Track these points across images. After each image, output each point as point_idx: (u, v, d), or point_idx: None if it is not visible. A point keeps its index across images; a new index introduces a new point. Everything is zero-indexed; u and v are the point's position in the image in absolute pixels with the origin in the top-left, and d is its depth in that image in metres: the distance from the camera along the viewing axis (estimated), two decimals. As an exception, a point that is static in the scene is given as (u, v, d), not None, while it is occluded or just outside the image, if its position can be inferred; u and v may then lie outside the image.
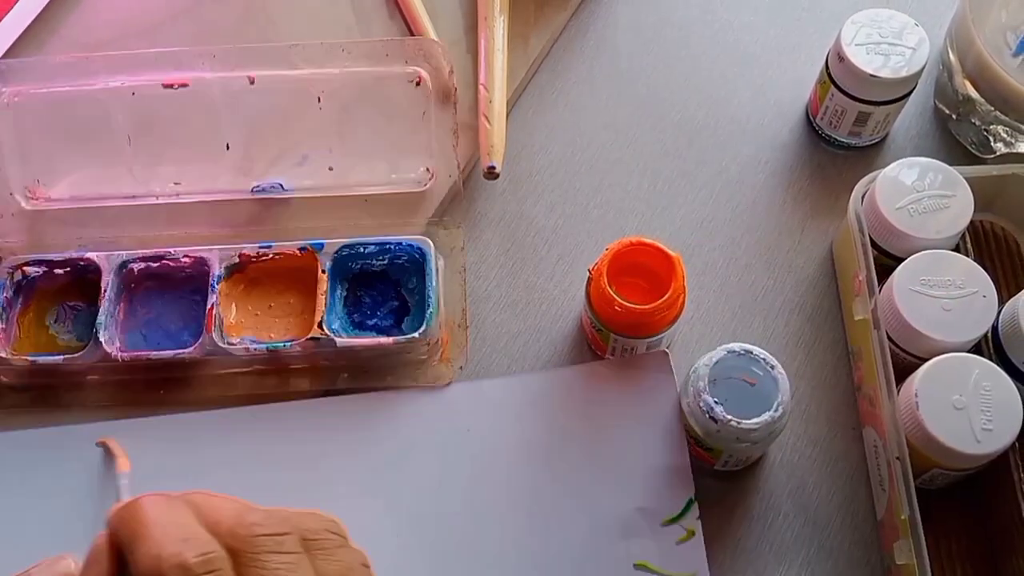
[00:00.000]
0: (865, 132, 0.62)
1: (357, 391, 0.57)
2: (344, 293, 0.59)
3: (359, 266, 0.59)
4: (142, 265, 0.58)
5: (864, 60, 0.58)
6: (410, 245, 0.58)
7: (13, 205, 0.60)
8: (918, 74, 0.58)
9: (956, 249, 0.55)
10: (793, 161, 0.64)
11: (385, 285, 0.59)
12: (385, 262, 0.59)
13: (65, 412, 0.56)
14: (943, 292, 0.52)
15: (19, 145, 0.59)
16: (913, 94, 0.60)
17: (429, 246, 0.58)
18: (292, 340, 0.56)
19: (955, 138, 0.64)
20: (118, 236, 0.60)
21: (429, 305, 0.56)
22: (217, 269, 0.57)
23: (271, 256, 0.58)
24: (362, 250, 0.58)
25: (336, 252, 0.58)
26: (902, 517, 0.48)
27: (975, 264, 0.53)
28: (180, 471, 0.54)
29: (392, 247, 0.58)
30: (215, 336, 0.55)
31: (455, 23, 0.66)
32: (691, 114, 0.66)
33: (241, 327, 0.58)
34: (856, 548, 0.54)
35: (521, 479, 0.54)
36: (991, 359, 0.51)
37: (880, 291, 0.53)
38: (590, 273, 0.54)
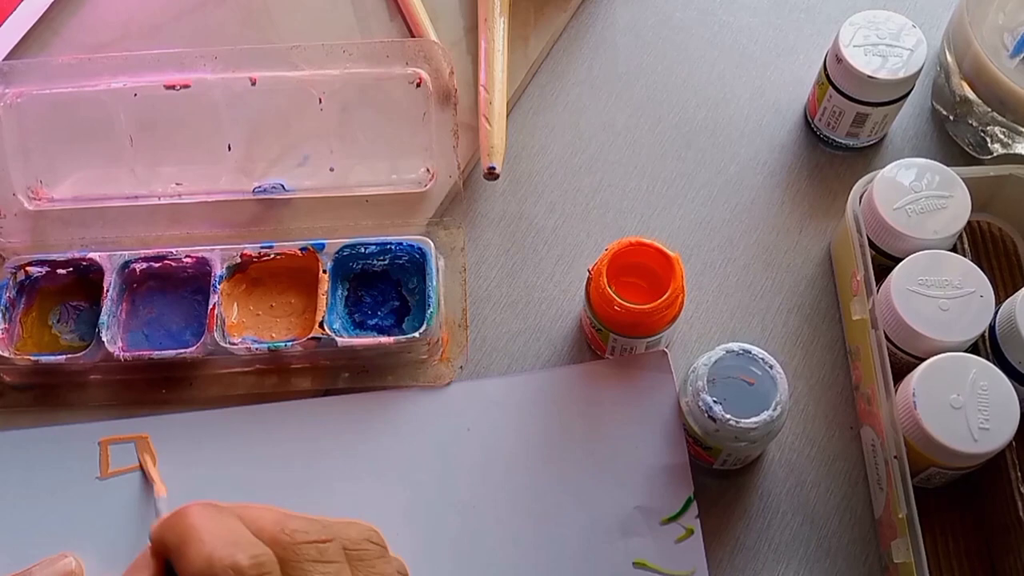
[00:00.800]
0: (863, 133, 0.62)
1: (358, 390, 0.57)
2: (345, 293, 0.59)
3: (360, 266, 0.60)
4: (144, 265, 0.59)
5: (862, 61, 0.58)
6: (411, 245, 0.59)
7: (16, 205, 0.60)
8: (916, 75, 0.58)
9: (953, 249, 0.56)
10: (791, 162, 0.64)
11: (386, 285, 0.60)
12: (386, 262, 0.60)
13: (67, 411, 0.56)
14: (941, 292, 0.52)
15: (22, 146, 0.59)
16: (911, 95, 0.60)
17: (429, 246, 0.58)
18: (293, 340, 0.56)
19: (952, 139, 0.64)
20: (120, 236, 0.60)
21: (429, 305, 0.56)
22: (219, 269, 0.58)
23: (272, 256, 0.59)
24: (363, 250, 0.59)
25: (337, 252, 0.58)
26: (900, 516, 0.49)
27: (972, 264, 0.53)
28: (182, 470, 0.55)
29: (393, 247, 0.59)
30: (217, 336, 0.56)
31: (455, 24, 0.66)
32: (690, 115, 0.66)
33: (242, 327, 0.58)
34: (854, 546, 0.54)
35: (521, 478, 0.55)
36: (988, 359, 0.52)
37: (878, 291, 0.54)
38: (589, 273, 0.54)
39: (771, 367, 0.51)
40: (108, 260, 0.58)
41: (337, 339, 0.56)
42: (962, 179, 0.55)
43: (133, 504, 0.53)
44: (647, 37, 0.69)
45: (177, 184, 0.60)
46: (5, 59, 0.65)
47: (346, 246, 0.58)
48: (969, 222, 0.55)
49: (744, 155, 0.65)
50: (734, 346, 0.51)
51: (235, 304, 0.59)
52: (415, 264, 0.59)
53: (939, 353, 0.51)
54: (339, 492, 0.54)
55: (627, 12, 0.69)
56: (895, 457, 0.49)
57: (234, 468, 0.55)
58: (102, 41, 0.66)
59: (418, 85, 0.59)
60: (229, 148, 0.60)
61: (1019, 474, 0.51)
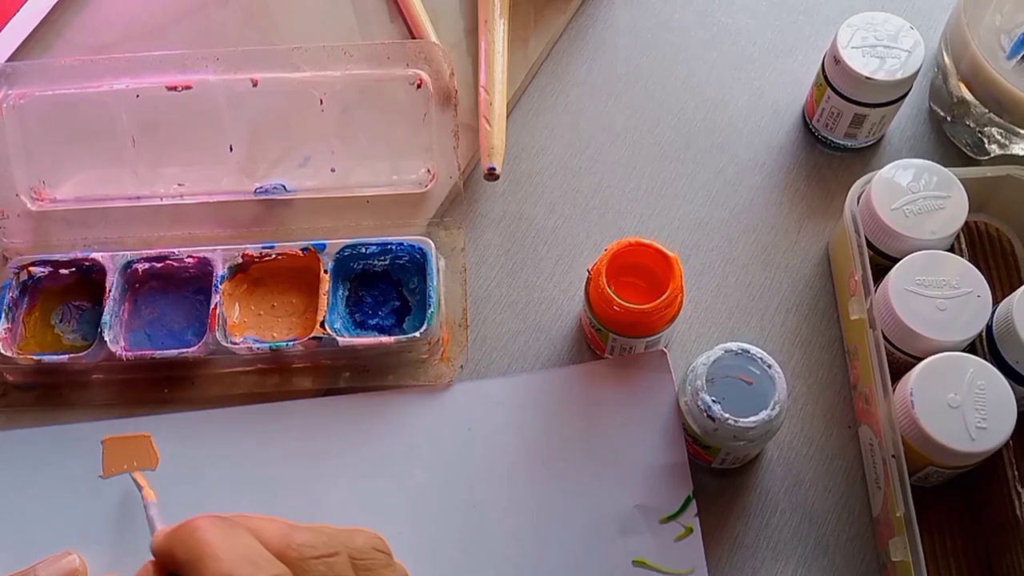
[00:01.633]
0: (861, 134, 0.63)
1: (359, 390, 0.57)
2: (346, 293, 0.60)
3: (361, 266, 0.60)
4: (146, 265, 0.59)
5: (860, 63, 0.58)
6: (411, 245, 0.59)
7: (19, 206, 0.60)
8: (913, 77, 0.59)
9: (951, 249, 0.56)
10: (790, 162, 0.65)
11: (386, 285, 0.60)
12: (386, 262, 0.60)
13: (70, 410, 0.57)
14: (938, 292, 0.52)
15: (24, 147, 0.60)
16: (908, 96, 0.61)
17: (430, 246, 0.58)
18: (294, 339, 0.56)
19: (950, 140, 0.64)
20: (122, 236, 0.60)
21: (430, 305, 0.57)
22: (220, 269, 0.58)
23: (274, 256, 0.59)
24: (364, 250, 0.59)
25: (338, 252, 0.58)
26: (897, 514, 0.49)
27: (970, 264, 0.53)
28: (183, 469, 0.55)
29: (393, 247, 0.59)
30: (218, 335, 0.56)
31: (456, 26, 0.67)
32: (689, 116, 0.66)
33: (244, 326, 0.58)
34: (852, 545, 0.54)
35: (521, 477, 0.55)
36: (985, 358, 0.52)
37: (876, 291, 0.54)
38: (589, 273, 0.55)
39: (770, 367, 0.51)
40: (110, 260, 0.58)
41: (338, 339, 0.56)
42: (959, 180, 0.55)
43: (135, 502, 0.53)
44: (646, 39, 0.69)
45: (179, 185, 0.61)
46: (8, 60, 0.65)
47: (347, 246, 0.58)
48: (966, 222, 0.55)
49: (743, 156, 0.65)
50: (733, 346, 0.51)
51: (237, 304, 0.59)
52: (416, 264, 0.60)
53: (936, 353, 0.51)
54: (340, 491, 0.54)
55: (626, 14, 0.70)
56: (893, 456, 0.49)
57: (236, 467, 0.55)
58: (104, 43, 0.67)
59: (419, 86, 0.59)
60: (231, 149, 0.60)
61: (1016, 473, 0.51)
